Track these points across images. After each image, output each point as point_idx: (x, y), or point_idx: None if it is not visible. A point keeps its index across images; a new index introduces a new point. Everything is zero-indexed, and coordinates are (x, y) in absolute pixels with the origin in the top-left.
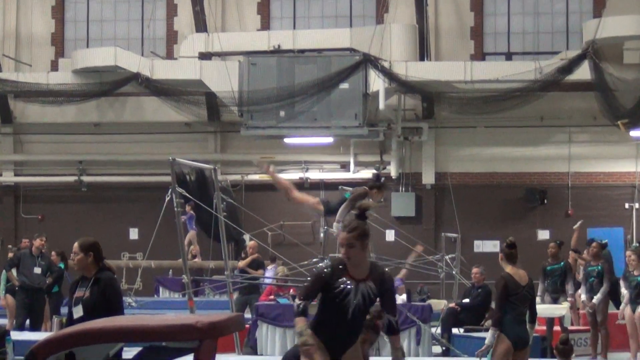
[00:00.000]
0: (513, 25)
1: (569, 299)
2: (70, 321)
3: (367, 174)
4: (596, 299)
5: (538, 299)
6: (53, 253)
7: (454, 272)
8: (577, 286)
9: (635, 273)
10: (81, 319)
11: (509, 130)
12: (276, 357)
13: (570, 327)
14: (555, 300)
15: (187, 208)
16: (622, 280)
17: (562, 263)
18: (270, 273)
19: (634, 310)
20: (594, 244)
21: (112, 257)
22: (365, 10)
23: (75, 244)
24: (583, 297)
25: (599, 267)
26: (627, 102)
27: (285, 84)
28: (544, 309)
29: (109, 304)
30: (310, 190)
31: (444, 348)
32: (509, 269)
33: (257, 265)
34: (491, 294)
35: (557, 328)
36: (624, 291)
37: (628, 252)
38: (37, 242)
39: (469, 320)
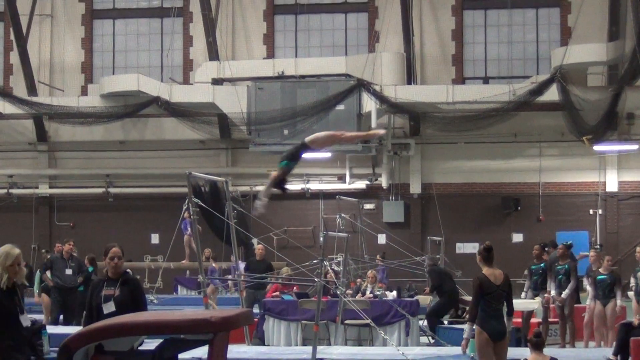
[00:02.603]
0: (489, 52)
1: (545, 295)
2: (98, 316)
3: (362, 184)
4: (564, 294)
5: (523, 294)
6: (86, 258)
7: None
8: None
9: (604, 272)
10: (112, 314)
11: (486, 146)
12: (281, 346)
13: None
14: (536, 296)
15: (186, 215)
16: (586, 278)
17: (543, 264)
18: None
19: (604, 305)
20: (560, 246)
21: (136, 260)
22: (359, 41)
23: (117, 250)
24: (553, 292)
25: (566, 266)
26: (590, 120)
27: (288, 105)
28: (518, 303)
29: (137, 301)
30: (311, 199)
31: (432, 340)
32: (485, 269)
33: (266, 267)
34: (434, 274)
35: (537, 320)
36: (588, 288)
37: (591, 253)
38: (67, 247)
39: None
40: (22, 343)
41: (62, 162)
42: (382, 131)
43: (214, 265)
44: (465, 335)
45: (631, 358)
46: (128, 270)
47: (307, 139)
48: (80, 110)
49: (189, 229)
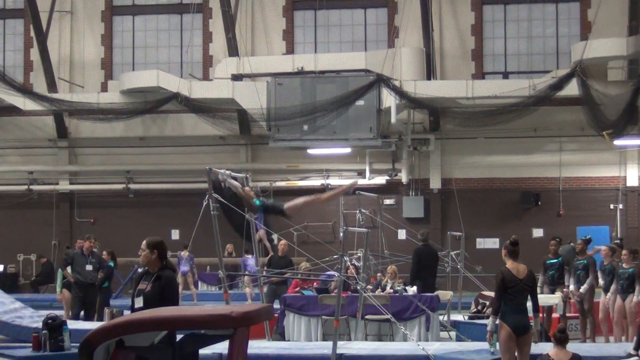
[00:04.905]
0: (509, 47)
1: (564, 289)
2: (132, 310)
3: (381, 180)
4: (583, 289)
5: (538, 290)
6: (104, 252)
7: (458, 266)
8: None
9: (625, 266)
10: (140, 309)
11: (506, 141)
12: (302, 342)
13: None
14: (552, 292)
15: None
16: (600, 272)
17: (559, 258)
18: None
19: (623, 300)
20: (579, 241)
21: None
22: (378, 36)
23: (144, 242)
24: (571, 287)
25: (585, 262)
26: (611, 114)
27: (308, 101)
28: (539, 298)
29: (165, 298)
30: None
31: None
32: (509, 263)
33: (287, 263)
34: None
35: (557, 315)
36: (601, 281)
37: (605, 248)
38: (87, 244)
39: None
40: None
41: (82, 158)
42: (355, 181)
43: (182, 253)
44: (488, 328)
45: None
46: (171, 265)
47: (286, 207)
48: (100, 107)
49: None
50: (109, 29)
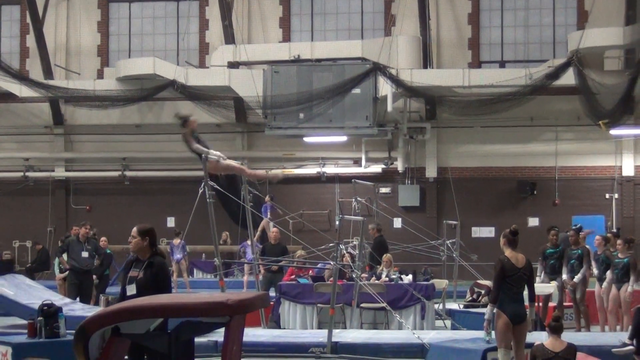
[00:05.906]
0: (506, 36)
1: (564, 279)
2: (123, 297)
3: (377, 168)
4: (576, 278)
5: (538, 279)
6: (103, 239)
7: (454, 255)
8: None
9: (621, 256)
10: (133, 297)
11: (502, 130)
12: (297, 330)
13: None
14: (552, 281)
15: (266, 199)
16: (594, 261)
17: (559, 247)
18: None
19: (618, 289)
20: (571, 232)
21: None
22: (375, 24)
23: (134, 229)
24: (564, 276)
25: (580, 251)
26: (607, 104)
27: (304, 89)
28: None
29: (158, 285)
30: (326, 182)
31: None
32: (507, 252)
33: (282, 250)
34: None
35: (553, 304)
36: (595, 271)
37: (599, 237)
38: (82, 231)
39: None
40: None
41: (78, 145)
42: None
43: (173, 241)
44: (486, 317)
45: None
46: (161, 252)
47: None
48: (97, 94)
49: (268, 213)
50: (105, 16)
